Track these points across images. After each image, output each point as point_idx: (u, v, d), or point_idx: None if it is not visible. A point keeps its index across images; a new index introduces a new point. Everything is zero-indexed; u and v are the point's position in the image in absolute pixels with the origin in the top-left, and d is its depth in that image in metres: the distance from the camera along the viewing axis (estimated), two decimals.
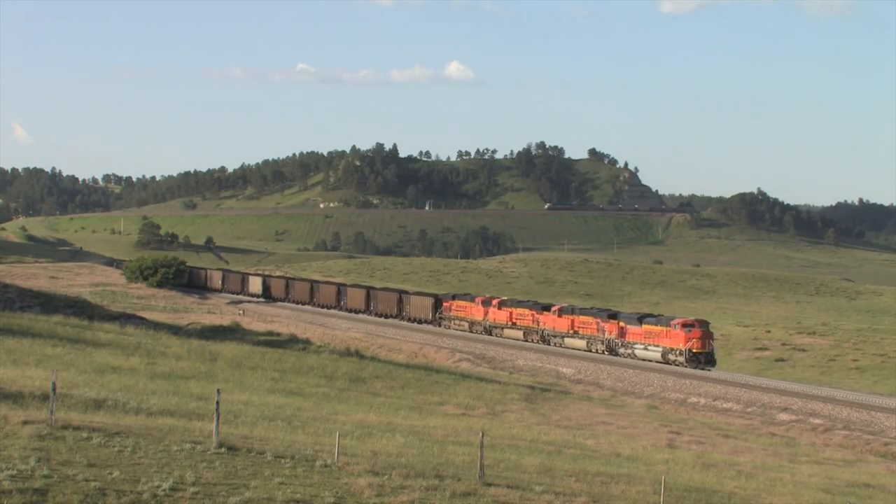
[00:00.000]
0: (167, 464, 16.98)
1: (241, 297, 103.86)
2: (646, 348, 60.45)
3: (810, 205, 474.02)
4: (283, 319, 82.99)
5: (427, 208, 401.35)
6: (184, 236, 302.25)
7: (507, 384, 47.79)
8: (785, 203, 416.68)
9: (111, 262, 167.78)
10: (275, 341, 54.01)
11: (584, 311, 68.32)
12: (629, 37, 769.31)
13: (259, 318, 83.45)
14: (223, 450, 18.47)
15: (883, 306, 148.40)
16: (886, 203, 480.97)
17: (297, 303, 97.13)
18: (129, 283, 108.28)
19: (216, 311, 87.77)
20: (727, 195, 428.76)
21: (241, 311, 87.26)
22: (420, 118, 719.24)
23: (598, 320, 64.65)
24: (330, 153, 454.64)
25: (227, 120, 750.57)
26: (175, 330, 54.06)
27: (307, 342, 55.29)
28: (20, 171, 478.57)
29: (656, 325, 60.71)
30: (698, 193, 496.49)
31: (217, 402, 19.13)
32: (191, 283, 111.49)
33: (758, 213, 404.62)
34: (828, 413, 45.13)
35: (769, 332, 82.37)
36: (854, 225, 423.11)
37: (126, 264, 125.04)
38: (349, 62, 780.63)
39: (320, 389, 36.90)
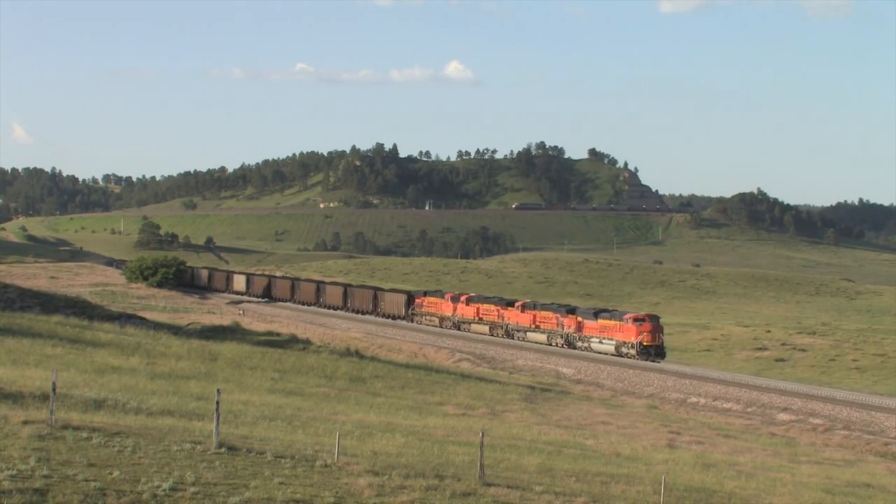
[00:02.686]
0: (167, 464, 16.98)
1: (226, 294, 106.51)
2: (601, 342, 63.48)
3: (810, 205, 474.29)
4: (283, 319, 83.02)
5: (427, 208, 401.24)
6: (184, 236, 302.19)
7: (507, 384, 47.78)
8: (785, 203, 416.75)
9: (111, 262, 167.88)
10: (275, 341, 54.01)
11: (545, 307, 71.45)
12: (628, 37, 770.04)
13: (259, 318, 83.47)
14: (223, 450, 18.47)
15: (883, 306, 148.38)
16: (886, 203, 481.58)
17: (280, 300, 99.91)
18: (129, 283, 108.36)
19: (216, 311, 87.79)
20: (727, 195, 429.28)
21: (241, 311, 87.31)
22: (420, 118, 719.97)
23: (558, 315, 67.63)
24: (330, 153, 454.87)
25: (227, 120, 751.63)
26: (175, 330, 54.06)
27: (307, 342, 55.29)
28: (20, 171, 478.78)
29: (610, 319, 63.77)
30: (698, 193, 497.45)
31: (217, 402, 19.12)
32: (179, 281, 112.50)
33: (758, 213, 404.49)
34: (828, 413, 45.12)
35: (769, 332, 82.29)
36: (854, 225, 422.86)
37: (126, 264, 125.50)
38: (348, 62, 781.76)
39: (320, 389, 36.88)
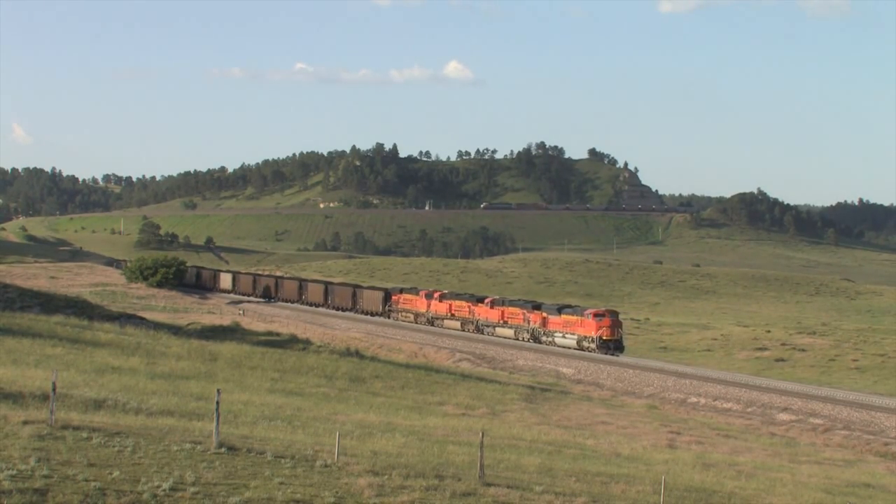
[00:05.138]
0: (167, 464, 16.97)
1: (213, 292, 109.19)
2: (564, 336, 66.08)
3: (810, 205, 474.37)
4: (283, 319, 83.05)
5: (427, 208, 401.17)
6: (184, 236, 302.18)
7: (507, 384, 47.76)
8: (785, 203, 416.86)
9: (111, 262, 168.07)
10: (275, 341, 54.01)
11: (512, 303, 74.27)
12: (628, 37, 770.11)
13: (259, 318, 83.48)
14: (223, 450, 18.46)
15: (883, 306, 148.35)
16: (886, 203, 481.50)
17: (264, 297, 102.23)
18: (129, 283, 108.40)
19: (216, 311, 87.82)
20: (727, 195, 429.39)
21: (241, 311, 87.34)
22: (419, 118, 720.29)
23: (525, 311, 70.24)
24: (330, 153, 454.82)
25: (227, 120, 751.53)
26: (175, 330, 54.05)
27: (307, 342, 55.29)
28: (20, 171, 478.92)
29: (573, 315, 66.60)
30: (698, 193, 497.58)
31: (217, 402, 19.11)
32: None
33: (758, 213, 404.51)
34: (828, 413, 45.09)
35: (769, 332, 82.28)
36: (854, 225, 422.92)
37: (126, 264, 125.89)
38: (348, 62, 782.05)
39: (320, 389, 36.88)
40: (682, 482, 22.27)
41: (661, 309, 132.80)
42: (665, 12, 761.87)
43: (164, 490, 15.23)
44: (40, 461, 16.05)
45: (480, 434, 19.56)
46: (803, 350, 71.90)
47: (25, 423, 19.01)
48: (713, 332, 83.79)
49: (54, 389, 19.67)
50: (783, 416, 45.21)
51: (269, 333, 60.26)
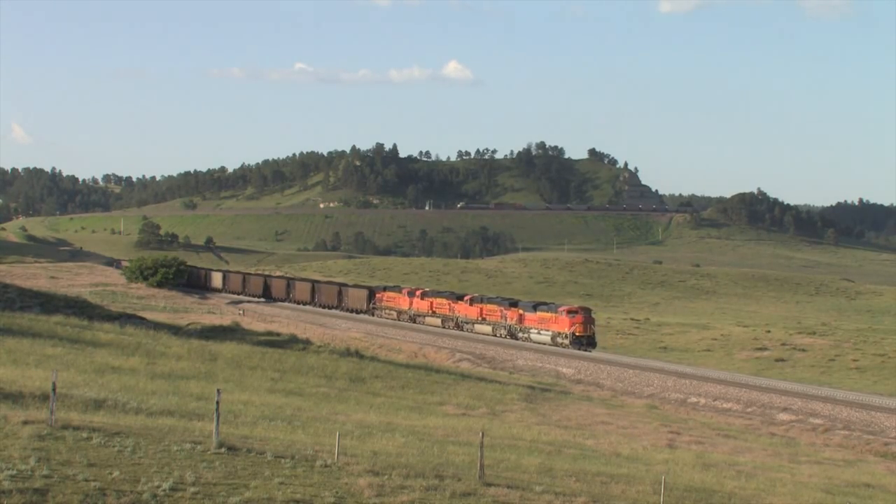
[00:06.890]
0: (167, 464, 16.97)
1: (205, 290, 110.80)
2: (539, 332, 68.02)
3: (810, 205, 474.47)
4: (283, 319, 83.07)
5: (427, 208, 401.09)
6: (184, 236, 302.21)
7: (507, 384, 47.73)
8: (785, 203, 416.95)
9: (111, 262, 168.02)
10: (275, 341, 53.97)
11: (490, 300, 76.52)
12: (628, 37, 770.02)
13: (259, 318, 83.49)
14: (223, 450, 18.46)
15: (883, 306, 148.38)
16: (886, 203, 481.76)
17: (253, 296, 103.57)
18: (129, 283, 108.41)
19: (216, 311, 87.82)
20: (727, 195, 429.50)
21: (241, 311, 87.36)
22: (419, 118, 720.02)
23: (502, 308, 72.27)
24: (330, 153, 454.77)
25: (227, 120, 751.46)
26: (175, 330, 54.01)
27: (307, 342, 55.27)
28: (20, 171, 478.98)
29: (547, 311, 68.68)
30: (698, 193, 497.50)
31: (217, 402, 19.11)
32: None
33: (758, 213, 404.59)
34: (828, 413, 45.09)
35: (769, 332, 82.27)
36: (854, 225, 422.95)
37: (123, 264, 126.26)
38: (347, 62, 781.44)
39: (320, 389, 36.86)
40: (682, 482, 22.26)
41: (661, 309, 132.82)
42: (665, 12, 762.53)
43: (164, 490, 15.23)
44: (40, 461, 16.04)
45: (480, 434, 19.56)
46: (803, 350, 71.92)
47: (25, 423, 19.00)
48: (713, 332, 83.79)
49: (54, 389, 19.66)
50: (783, 416, 45.21)
51: (269, 333, 60.23)
